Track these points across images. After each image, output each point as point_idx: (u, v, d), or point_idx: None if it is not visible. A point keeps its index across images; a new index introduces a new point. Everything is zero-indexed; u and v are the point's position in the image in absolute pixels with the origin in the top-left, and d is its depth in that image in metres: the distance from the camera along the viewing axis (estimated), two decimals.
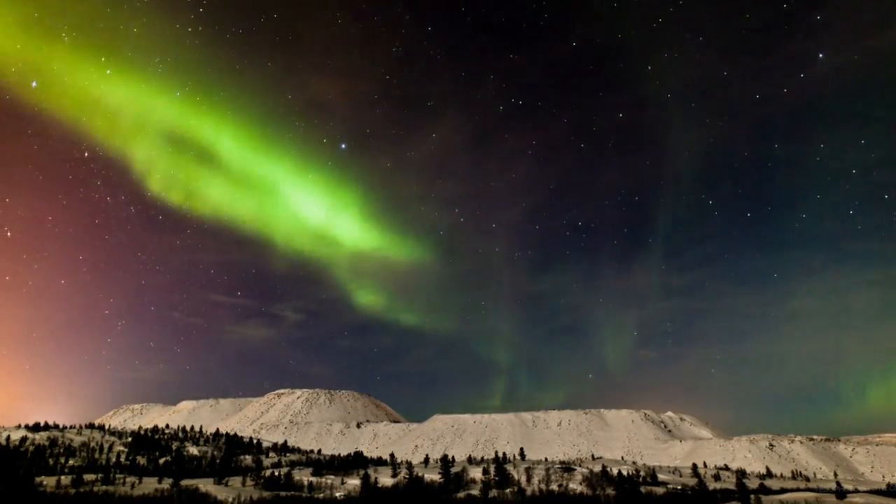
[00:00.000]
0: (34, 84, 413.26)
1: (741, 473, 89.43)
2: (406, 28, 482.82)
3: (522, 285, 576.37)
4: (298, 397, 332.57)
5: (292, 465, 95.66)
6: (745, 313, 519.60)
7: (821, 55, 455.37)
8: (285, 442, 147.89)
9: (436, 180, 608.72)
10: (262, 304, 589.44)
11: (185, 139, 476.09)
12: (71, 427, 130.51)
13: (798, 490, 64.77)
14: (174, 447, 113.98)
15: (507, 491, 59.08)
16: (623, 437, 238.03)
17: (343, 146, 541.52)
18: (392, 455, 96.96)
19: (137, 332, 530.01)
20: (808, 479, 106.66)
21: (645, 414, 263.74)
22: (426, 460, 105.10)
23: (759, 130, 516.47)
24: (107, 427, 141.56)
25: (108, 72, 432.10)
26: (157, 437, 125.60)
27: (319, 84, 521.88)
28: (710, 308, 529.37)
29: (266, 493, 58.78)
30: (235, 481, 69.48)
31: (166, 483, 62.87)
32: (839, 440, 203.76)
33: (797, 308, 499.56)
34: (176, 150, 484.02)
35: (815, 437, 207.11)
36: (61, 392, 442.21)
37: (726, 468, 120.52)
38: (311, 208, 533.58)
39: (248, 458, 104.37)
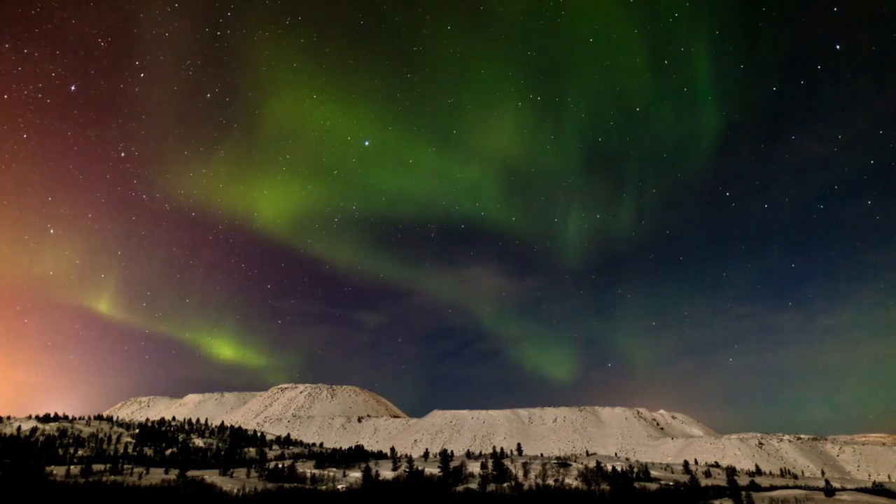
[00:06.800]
0: (73, 87, 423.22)
1: (731, 471, 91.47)
2: (426, 27, 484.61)
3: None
4: (301, 392, 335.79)
5: (295, 457, 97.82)
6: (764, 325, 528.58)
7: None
8: (288, 435, 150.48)
9: (457, 176, 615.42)
10: (290, 298, 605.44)
11: (215, 138, 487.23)
12: (80, 418, 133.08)
13: (788, 487, 66.56)
14: (180, 439, 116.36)
15: (505, 485, 60.89)
16: (616, 434, 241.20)
17: (367, 143, 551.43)
18: (392, 449, 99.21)
19: (174, 325, 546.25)
20: (795, 477, 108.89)
21: (638, 412, 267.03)
22: (426, 454, 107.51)
23: None
24: (115, 419, 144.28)
25: (142, 75, 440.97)
26: (163, 429, 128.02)
27: (342, 82, 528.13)
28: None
29: (270, 485, 60.21)
30: (240, 473, 71.00)
31: (173, 474, 64.29)
32: (826, 439, 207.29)
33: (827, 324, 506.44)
34: (207, 148, 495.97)
35: (802, 435, 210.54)
36: (71, 385, 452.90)
37: (717, 465, 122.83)
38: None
39: (253, 451, 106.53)
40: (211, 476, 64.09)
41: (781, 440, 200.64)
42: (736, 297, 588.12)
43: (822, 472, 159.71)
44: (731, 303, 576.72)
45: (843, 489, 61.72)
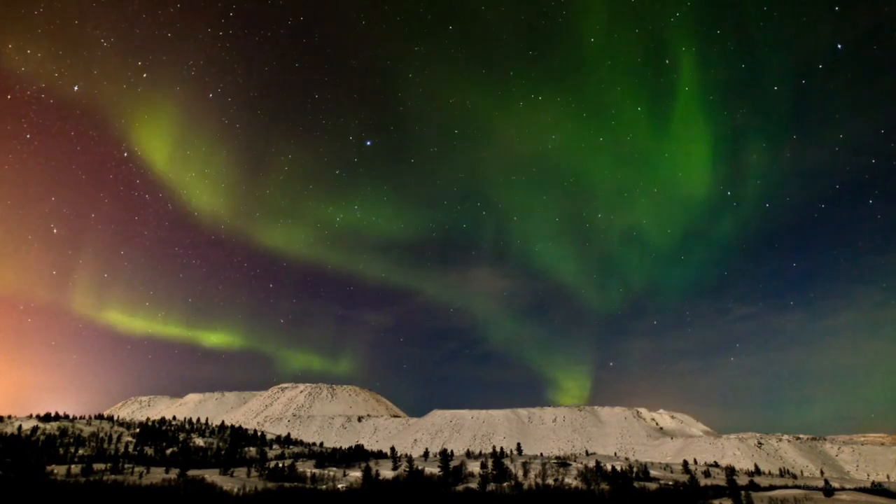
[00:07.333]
0: (76, 88, 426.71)
1: (730, 470, 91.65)
2: (428, 28, 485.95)
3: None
4: (301, 391, 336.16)
5: (295, 457, 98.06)
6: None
7: None
8: (288, 435, 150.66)
9: (459, 175, 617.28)
10: (292, 298, 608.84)
11: (217, 138, 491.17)
12: (81, 418, 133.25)
13: (787, 487, 66.73)
14: (181, 438, 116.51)
15: (505, 485, 61.05)
16: (616, 434, 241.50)
17: (368, 143, 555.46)
18: (392, 449, 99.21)
19: (176, 324, 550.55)
20: (794, 477, 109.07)
21: (637, 412, 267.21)
22: (426, 454, 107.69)
23: None
24: (115, 418, 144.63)
25: (145, 75, 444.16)
26: (164, 428, 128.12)
27: (344, 83, 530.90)
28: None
29: (270, 484, 60.29)
30: (240, 472, 71.10)
31: (173, 473, 64.37)
32: (825, 439, 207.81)
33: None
34: (210, 148, 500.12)
35: (801, 435, 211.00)
36: (73, 384, 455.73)
37: (716, 465, 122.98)
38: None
39: (253, 450, 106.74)
40: (211, 475, 64.17)
41: (780, 440, 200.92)
42: (737, 297, 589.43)
43: (821, 472, 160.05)
44: (732, 303, 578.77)
45: (842, 489, 61.90)
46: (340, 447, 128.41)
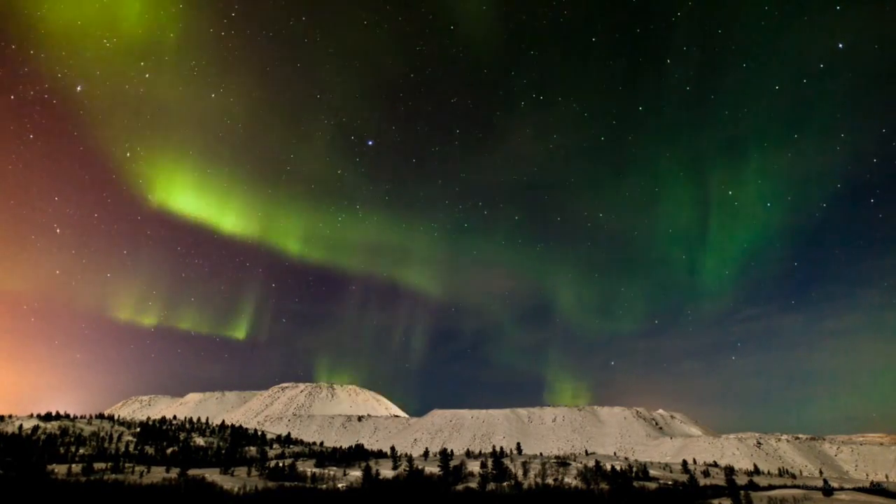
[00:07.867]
0: (79, 88, 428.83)
1: (730, 470, 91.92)
2: (428, 27, 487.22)
3: None
4: (301, 391, 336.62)
5: (296, 456, 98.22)
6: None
7: None
8: (289, 434, 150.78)
9: (460, 175, 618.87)
10: (294, 297, 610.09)
11: (220, 138, 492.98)
12: (81, 417, 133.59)
13: (786, 487, 66.94)
14: (181, 438, 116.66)
15: (505, 484, 61.17)
16: (615, 434, 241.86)
17: (369, 142, 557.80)
18: (392, 448, 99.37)
19: (179, 323, 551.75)
20: (794, 477, 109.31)
21: (637, 411, 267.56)
22: (426, 453, 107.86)
23: None
24: (116, 417, 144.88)
25: (147, 75, 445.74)
26: (164, 427, 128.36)
27: (345, 82, 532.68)
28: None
29: (271, 483, 60.30)
30: (241, 471, 71.19)
31: (174, 472, 64.43)
32: (824, 439, 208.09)
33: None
34: (212, 149, 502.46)
35: (800, 435, 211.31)
36: (76, 383, 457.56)
37: (715, 465, 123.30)
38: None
39: (253, 450, 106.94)
40: (212, 475, 64.30)
41: (780, 440, 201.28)
42: (739, 297, 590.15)
43: (821, 472, 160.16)
44: (733, 303, 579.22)
45: (842, 489, 62.03)
46: (340, 447, 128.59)
